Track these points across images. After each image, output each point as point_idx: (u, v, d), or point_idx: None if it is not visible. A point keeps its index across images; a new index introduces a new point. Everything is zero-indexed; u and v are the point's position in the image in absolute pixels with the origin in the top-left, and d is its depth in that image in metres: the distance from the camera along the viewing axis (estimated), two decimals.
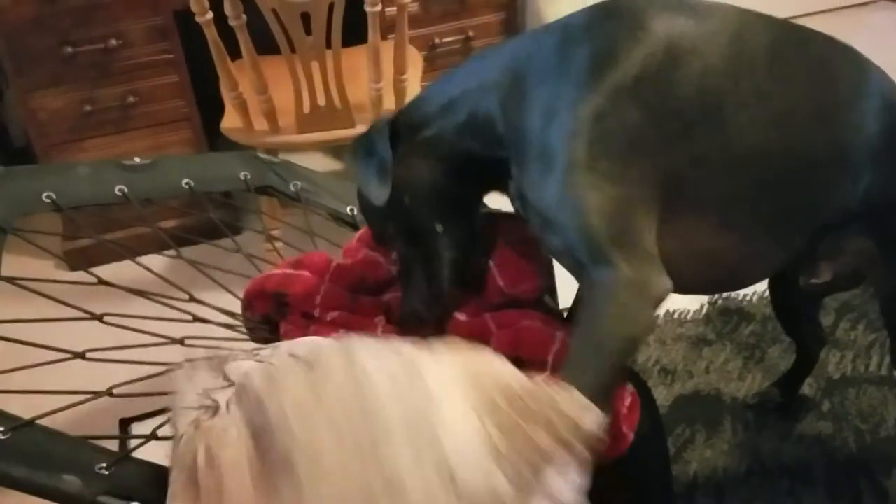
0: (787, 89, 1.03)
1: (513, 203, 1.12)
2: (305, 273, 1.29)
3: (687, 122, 0.98)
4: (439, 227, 1.10)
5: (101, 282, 1.31)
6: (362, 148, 1.11)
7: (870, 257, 1.17)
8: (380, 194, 1.07)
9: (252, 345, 1.36)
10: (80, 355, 1.15)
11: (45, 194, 1.34)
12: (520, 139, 1.02)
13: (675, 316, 1.97)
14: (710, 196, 1.01)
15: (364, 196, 1.14)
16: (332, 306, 1.24)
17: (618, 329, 0.91)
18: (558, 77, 1.00)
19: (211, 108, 2.23)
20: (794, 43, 1.06)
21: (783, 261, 1.12)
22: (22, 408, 0.98)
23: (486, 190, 1.15)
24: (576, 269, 0.99)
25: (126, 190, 1.42)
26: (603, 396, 0.87)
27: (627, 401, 1.03)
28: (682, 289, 0.99)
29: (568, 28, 1.04)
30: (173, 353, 1.24)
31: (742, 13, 1.06)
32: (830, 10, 3.35)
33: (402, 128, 1.11)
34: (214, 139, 2.34)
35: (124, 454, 0.97)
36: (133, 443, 1.04)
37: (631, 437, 1.00)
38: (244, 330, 1.37)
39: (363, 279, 1.29)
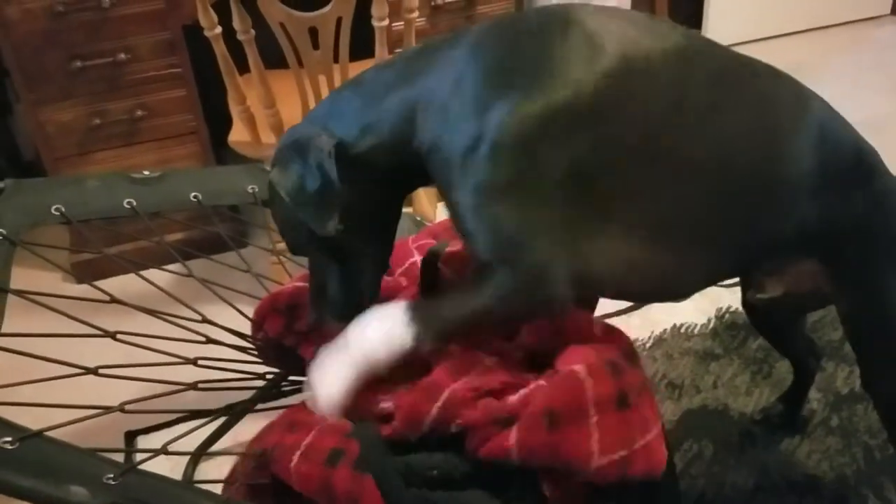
0: (726, 116, 1.04)
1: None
2: None
3: (629, 146, 0.99)
4: (367, 247, 1.09)
5: (113, 300, 1.31)
6: (305, 174, 1.01)
7: (825, 279, 1.19)
8: (330, 225, 1.01)
9: (265, 368, 1.37)
10: (93, 371, 1.15)
11: (54, 207, 1.35)
12: (445, 148, 1.00)
13: (682, 330, 1.97)
14: (644, 213, 1.03)
15: (284, 211, 1.06)
16: None
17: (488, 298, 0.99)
18: (492, 88, 0.97)
19: (218, 121, 2.25)
20: (738, 72, 1.08)
21: (718, 273, 1.16)
22: (30, 421, 0.99)
23: (409, 193, 1.15)
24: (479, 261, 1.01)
25: (135, 203, 1.43)
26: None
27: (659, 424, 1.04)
28: (617, 296, 1.12)
29: (506, 32, 1.02)
30: (183, 372, 1.24)
31: (691, 36, 1.06)
32: (836, 26, 3.36)
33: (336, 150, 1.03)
34: (222, 153, 2.35)
35: (132, 466, 0.97)
36: (140, 456, 1.04)
37: (665, 454, 1.02)
38: (255, 352, 1.37)
39: None
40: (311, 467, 1.01)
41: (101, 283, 1.33)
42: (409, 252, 1.32)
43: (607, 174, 1.00)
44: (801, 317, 1.57)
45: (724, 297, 1.94)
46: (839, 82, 2.90)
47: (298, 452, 1.03)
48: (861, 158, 1.15)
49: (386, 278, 1.33)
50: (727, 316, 1.99)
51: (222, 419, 1.64)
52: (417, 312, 1.00)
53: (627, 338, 1.09)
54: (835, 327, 1.89)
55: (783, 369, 1.81)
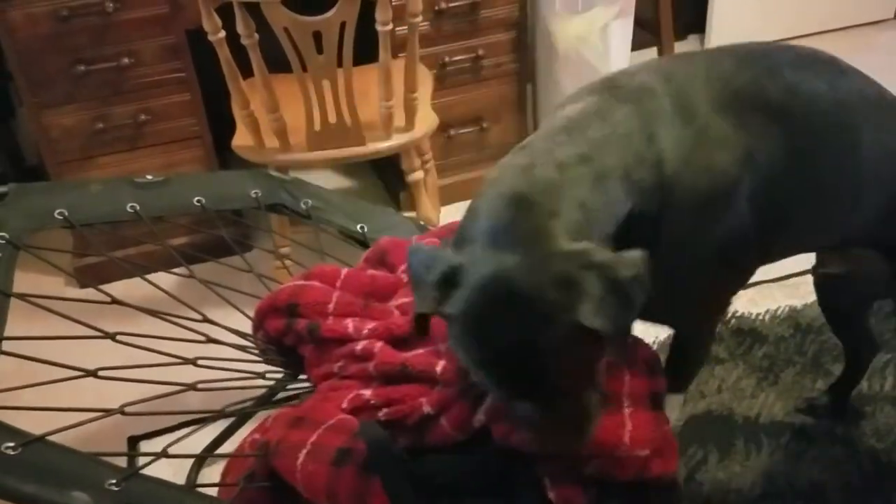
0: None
1: None
2: (316, 283, 1.29)
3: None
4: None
5: (114, 300, 1.31)
6: (621, 304, 0.91)
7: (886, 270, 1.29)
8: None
9: (265, 367, 1.36)
10: (93, 373, 1.15)
11: (57, 211, 1.35)
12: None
13: None
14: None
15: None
16: (346, 313, 1.24)
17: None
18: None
19: (222, 126, 2.24)
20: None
21: (797, 251, 1.28)
22: (32, 425, 0.98)
23: None
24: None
25: (138, 207, 1.43)
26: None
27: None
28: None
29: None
30: (185, 373, 1.24)
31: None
32: (839, 30, 3.35)
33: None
34: (226, 157, 2.34)
35: (134, 471, 0.97)
36: (142, 460, 1.03)
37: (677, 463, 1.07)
38: (256, 351, 1.37)
39: (373, 284, 1.30)
40: (317, 466, 1.01)
41: (105, 288, 1.33)
42: None
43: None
44: (864, 306, 1.59)
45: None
46: None
47: (305, 451, 1.02)
48: None
49: (388, 275, 1.33)
50: (733, 321, 1.97)
51: (227, 422, 1.64)
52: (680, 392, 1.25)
53: (652, 349, 1.16)
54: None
55: (789, 378, 1.80)
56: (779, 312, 1.99)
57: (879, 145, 1.17)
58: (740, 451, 1.63)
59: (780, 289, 2.04)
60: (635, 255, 0.91)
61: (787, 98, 1.09)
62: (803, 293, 1.95)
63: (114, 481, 0.94)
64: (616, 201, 0.98)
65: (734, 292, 1.21)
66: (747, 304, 1.99)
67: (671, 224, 1.02)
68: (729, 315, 1.99)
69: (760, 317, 1.98)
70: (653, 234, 1.01)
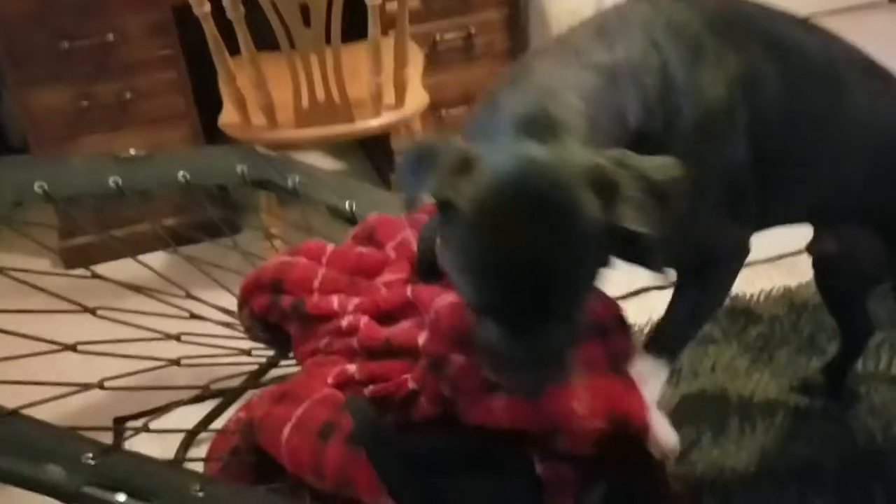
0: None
1: None
2: (302, 259, 1.27)
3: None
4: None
5: (95, 275, 1.28)
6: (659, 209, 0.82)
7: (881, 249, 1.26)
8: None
9: (249, 343, 1.34)
10: (72, 347, 1.13)
11: (37, 184, 1.32)
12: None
13: None
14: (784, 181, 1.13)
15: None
16: (332, 290, 1.22)
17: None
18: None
19: (210, 106, 2.21)
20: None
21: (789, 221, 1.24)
22: (14, 401, 0.95)
23: None
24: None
25: (120, 182, 1.40)
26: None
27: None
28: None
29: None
30: (168, 350, 1.21)
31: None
32: (833, 13, 3.32)
33: None
34: (213, 138, 2.31)
35: (111, 446, 0.94)
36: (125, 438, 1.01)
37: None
38: (241, 329, 1.34)
39: (360, 261, 1.27)
40: (302, 440, 0.98)
41: (92, 269, 1.31)
42: (402, 227, 1.29)
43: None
44: (861, 289, 1.56)
45: None
46: None
47: (290, 424, 1.00)
48: None
49: (375, 251, 1.31)
50: (727, 301, 1.95)
51: (217, 401, 1.61)
52: (663, 351, 1.06)
53: (618, 306, 1.09)
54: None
55: (783, 358, 1.78)
56: (773, 292, 1.97)
57: (869, 106, 1.15)
58: (734, 430, 1.62)
59: (774, 268, 2.02)
60: (668, 160, 0.83)
61: (781, 39, 1.07)
62: (798, 273, 1.93)
63: (90, 455, 0.91)
64: (630, 104, 0.92)
65: (740, 237, 1.11)
66: (742, 283, 1.94)
67: (676, 149, 0.92)
68: None
69: (755, 297, 1.96)
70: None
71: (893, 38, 1.11)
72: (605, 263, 0.84)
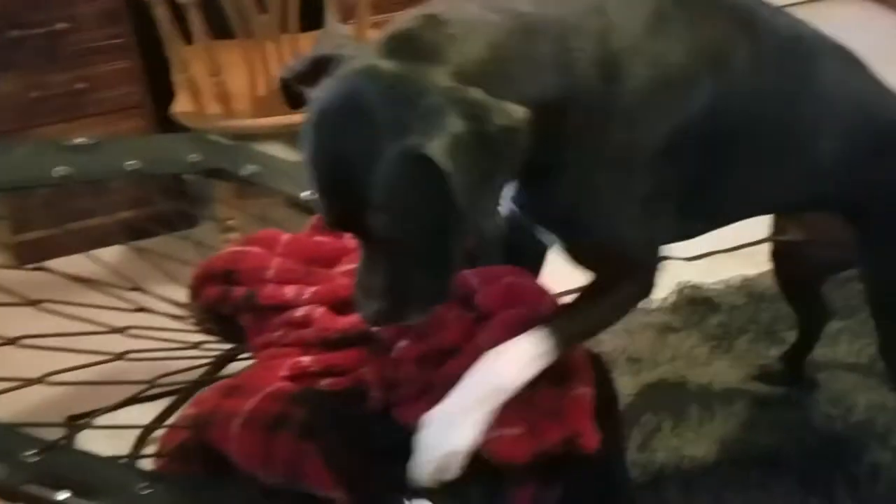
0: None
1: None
2: (255, 248, 1.24)
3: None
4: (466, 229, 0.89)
5: (38, 268, 1.24)
6: (488, 161, 0.79)
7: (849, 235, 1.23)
8: (496, 221, 0.92)
9: (199, 337, 1.31)
10: (12, 342, 1.09)
11: None
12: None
13: (641, 304, 1.93)
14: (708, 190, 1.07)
15: (420, 189, 0.80)
16: (287, 280, 1.19)
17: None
18: None
19: (166, 96, 2.16)
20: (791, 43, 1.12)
21: (745, 216, 1.20)
22: None
23: None
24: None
25: (66, 172, 1.35)
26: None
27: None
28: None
29: None
30: (117, 344, 1.18)
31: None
32: (798, 4, 3.35)
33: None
34: (169, 129, 2.26)
35: (52, 443, 0.91)
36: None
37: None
38: (192, 321, 1.31)
39: (318, 250, 1.25)
40: (253, 434, 0.96)
41: (46, 264, 1.27)
42: None
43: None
44: (820, 277, 1.56)
45: (684, 272, 1.91)
46: None
47: (240, 418, 0.98)
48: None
49: (334, 240, 1.29)
50: (686, 290, 1.96)
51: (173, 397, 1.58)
52: (553, 331, 0.95)
53: (555, 300, 1.08)
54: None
55: (743, 346, 1.79)
56: (732, 281, 1.97)
57: (842, 85, 1.12)
58: (694, 418, 1.62)
59: (732, 258, 2.01)
60: (517, 108, 0.79)
61: (749, 14, 1.03)
62: (756, 262, 1.93)
63: (32, 452, 0.88)
64: (543, 63, 0.86)
65: (652, 247, 1.03)
66: (701, 273, 1.97)
67: (614, 120, 0.90)
68: (682, 285, 1.97)
69: (714, 286, 1.96)
70: (593, 133, 0.91)
71: (855, 30, 1.10)
72: (443, 210, 0.81)
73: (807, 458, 1.52)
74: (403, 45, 0.82)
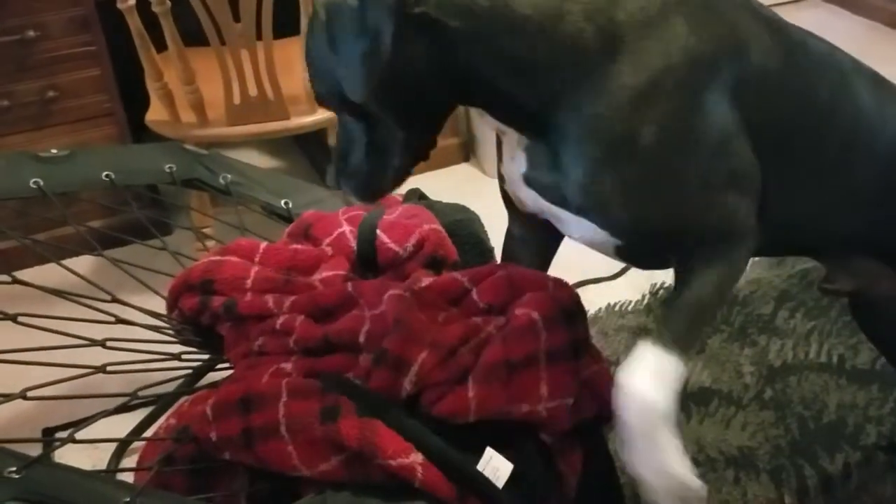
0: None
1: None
2: (233, 258, 1.24)
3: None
4: (402, 129, 0.96)
5: (16, 281, 1.23)
6: (350, 18, 0.87)
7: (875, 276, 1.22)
8: (361, 90, 0.90)
9: (180, 347, 1.30)
10: None
11: None
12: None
13: (616, 308, 1.96)
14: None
15: (318, 52, 0.94)
16: (265, 289, 1.19)
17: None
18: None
19: (137, 105, 2.15)
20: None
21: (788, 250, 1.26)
22: None
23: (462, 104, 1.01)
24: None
25: (42, 183, 1.35)
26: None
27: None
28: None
29: None
30: (94, 357, 1.17)
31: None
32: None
33: None
34: (141, 137, 2.25)
35: (35, 459, 0.90)
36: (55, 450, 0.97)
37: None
38: (171, 332, 1.30)
39: (295, 258, 1.25)
40: (307, 434, 0.96)
41: (17, 275, 1.25)
42: (338, 223, 1.27)
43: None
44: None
45: (658, 274, 1.93)
46: None
47: (283, 427, 0.98)
48: None
49: (311, 248, 1.29)
50: (661, 292, 1.98)
51: (151, 408, 1.57)
52: (671, 340, 0.95)
53: (574, 291, 1.12)
54: (766, 301, 1.91)
55: (716, 345, 1.81)
56: None
57: (877, 110, 1.08)
58: None
59: None
60: None
61: (778, 20, 1.02)
62: None
63: (13, 469, 0.88)
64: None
65: (737, 208, 0.98)
66: (670, 274, 1.99)
67: (609, 97, 0.89)
68: (657, 287, 2.00)
69: None
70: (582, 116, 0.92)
71: (820, 34, 1.11)
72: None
73: (781, 457, 1.54)
74: None
